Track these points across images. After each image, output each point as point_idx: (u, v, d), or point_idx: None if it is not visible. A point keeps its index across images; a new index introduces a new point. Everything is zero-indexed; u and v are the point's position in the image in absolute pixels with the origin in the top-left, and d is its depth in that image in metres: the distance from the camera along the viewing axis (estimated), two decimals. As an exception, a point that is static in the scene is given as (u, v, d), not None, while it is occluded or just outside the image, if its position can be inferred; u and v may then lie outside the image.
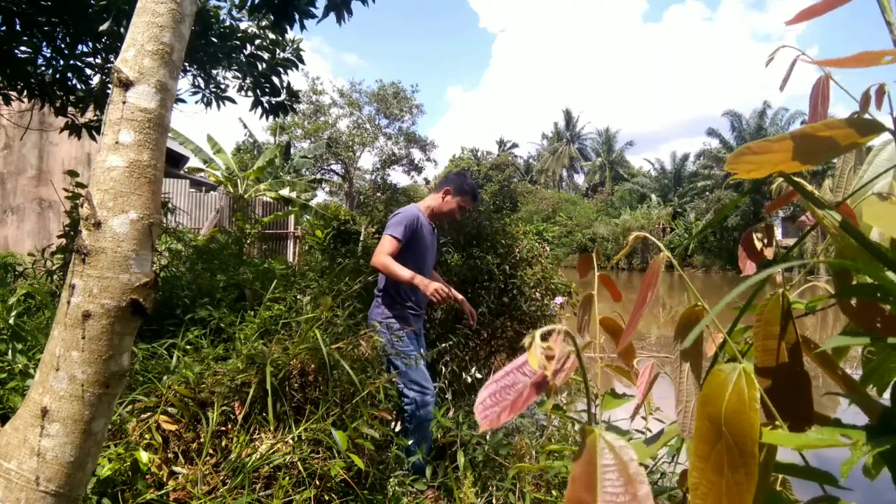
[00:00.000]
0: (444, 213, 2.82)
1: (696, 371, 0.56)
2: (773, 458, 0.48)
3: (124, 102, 0.99)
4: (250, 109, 4.52)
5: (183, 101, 5.07)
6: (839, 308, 0.57)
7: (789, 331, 0.53)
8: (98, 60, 3.88)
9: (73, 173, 3.26)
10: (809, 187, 0.53)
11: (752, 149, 0.46)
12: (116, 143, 0.99)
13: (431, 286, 2.47)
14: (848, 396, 0.56)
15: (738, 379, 0.43)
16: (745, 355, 0.59)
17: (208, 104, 4.46)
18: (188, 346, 2.32)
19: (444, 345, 3.02)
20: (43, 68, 3.81)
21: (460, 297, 2.75)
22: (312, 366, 2.17)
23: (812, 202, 0.52)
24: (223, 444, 1.95)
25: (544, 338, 0.42)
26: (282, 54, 4.29)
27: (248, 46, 4.16)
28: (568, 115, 48.91)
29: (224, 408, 1.99)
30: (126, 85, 0.99)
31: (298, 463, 1.89)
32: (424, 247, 2.73)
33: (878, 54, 0.41)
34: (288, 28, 3.94)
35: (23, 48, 3.59)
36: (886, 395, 0.58)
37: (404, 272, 2.52)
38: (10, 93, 3.88)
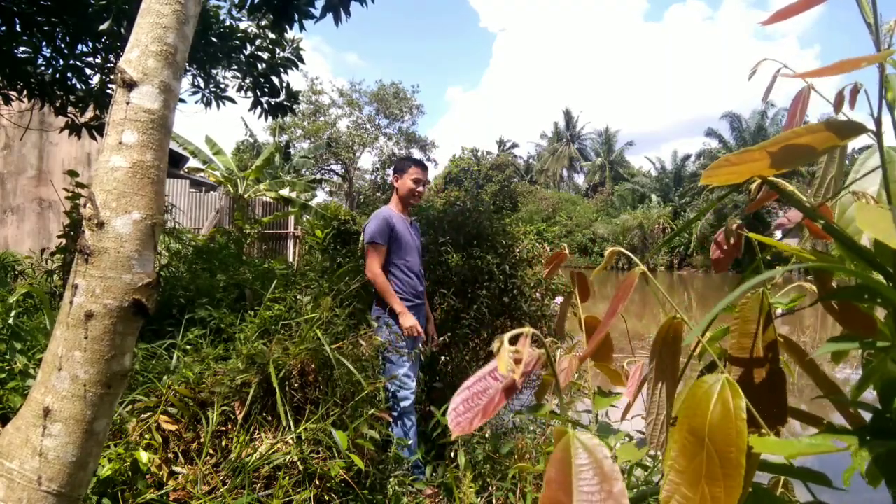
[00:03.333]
0: (407, 194, 2.91)
1: (671, 383, 0.56)
2: (755, 468, 0.47)
3: (128, 103, 0.99)
4: (250, 109, 4.53)
5: (183, 100, 5.07)
6: (823, 308, 0.57)
7: (768, 329, 0.54)
8: (98, 60, 3.88)
9: (73, 173, 3.26)
10: (790, 187, 0.53)
11: (731, 160, 0.46)
12: (120, 143, 0.99)
13: (408, 325, 2.66)
14: (830, 398, 0.56)
15: (722, 389, 0.43)
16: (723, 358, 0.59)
17: (208, 104, 4.46)
18: (188, 347, 2.33)
19: (441, 339, 3.03)
20: (43, 68, 3.80)
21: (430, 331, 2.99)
22: (312, 366, 2.17)
23: (793, 204, 0.52)
24: (223, 444, 1.95)
25: (513, 342, 0.43)
26: (282, 54, 4.29)
27: (248, 46, 4.16)
28: (568, 115, 48.92)
29: (224, 408, 1.99)
30: (130, 85, 0.99)
31: (298, 463, 1.89)
32: (406, 242, 2.84)
33: (857, 61, 0.42)
34: (287, 28, 3.94)
35: (23, 48, 3.59)
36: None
37: (393, 298, 2.71)
38: (10, 93, 3.88)
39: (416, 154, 28.58)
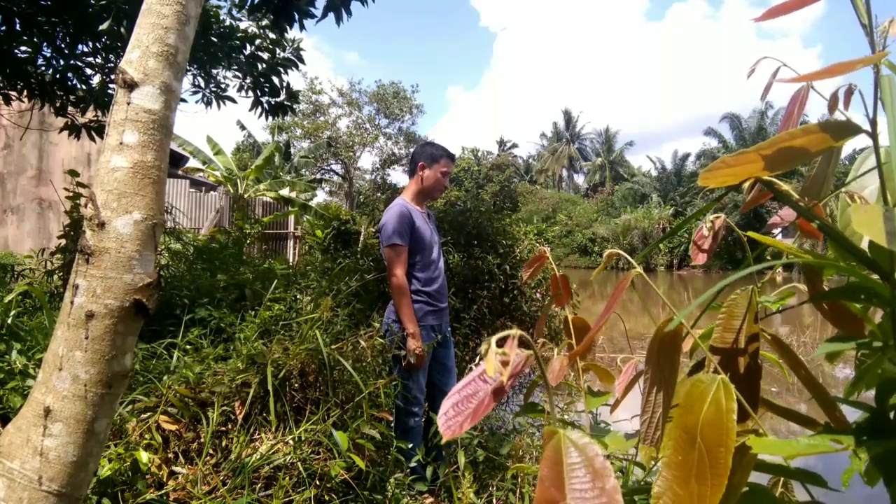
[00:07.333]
0: (432, 187, 2.63)
1: (668, 382, 0.56)
2: (750, 467, 0.48)
3: (129, 103, 0.99)
4: (250, 109, 4.53)
5: (183, 100, 5.08)
6: (814, 307, 0.58)
7: (751, 325, 0.55)
8: (98, 60, 3.88)
9: (73, 173, 3.26)
10: (785, 187, 0.53)
11: (728, 162, 0.47)
12: (121, 143, 0.99)
13: (413, 349, 2.40)
14: (816, 399, 0.56)
15: (716, 390, 0.44)
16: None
17: (208, 104, 4.47)
18: (188, 346, 2.33)
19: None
20: (43, 68, 3.81)
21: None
22: (313, 366, 2.17)
23: (789, 204, 0.52)
24: (223, 444, 1.95)
25: (500, 344, 0.44)
26: (282, 54, 4.30)
27: (249, 46, 4.17)
28: (568, 116, 48.93)
29: (224, 408, 1.99)
30: (131, 86, 0.99)
31: (298, 463, 1.89)
32: (425, 237, 2.58)
33: (852, 63, 0.42)
34: (287, 28, 3.95)
35: (23, 48, 3.59)
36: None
37: (408, 317, 2.42)
38: (10, 93, 3.88)
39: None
